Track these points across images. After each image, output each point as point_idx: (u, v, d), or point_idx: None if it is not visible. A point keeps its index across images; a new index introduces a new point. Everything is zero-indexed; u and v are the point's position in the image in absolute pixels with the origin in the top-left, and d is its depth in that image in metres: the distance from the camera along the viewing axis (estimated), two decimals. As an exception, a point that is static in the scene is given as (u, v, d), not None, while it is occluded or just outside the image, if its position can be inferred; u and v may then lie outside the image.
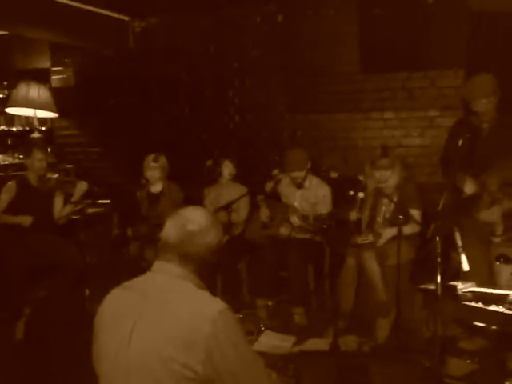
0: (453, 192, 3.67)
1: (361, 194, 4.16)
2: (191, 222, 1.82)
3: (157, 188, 4.95)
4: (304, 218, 4.44)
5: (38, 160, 4.69)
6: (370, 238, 4.17)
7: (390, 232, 4.10)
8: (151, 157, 4.87)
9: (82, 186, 4.83)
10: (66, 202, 4.85)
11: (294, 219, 4.55)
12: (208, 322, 1.63)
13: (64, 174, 5.69)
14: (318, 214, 4.44)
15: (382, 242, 4.12)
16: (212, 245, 1.84)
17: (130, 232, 4.89)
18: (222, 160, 5.17)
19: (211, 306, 1.68)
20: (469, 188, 3.78)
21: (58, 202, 4.85)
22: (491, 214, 3.68)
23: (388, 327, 3.94)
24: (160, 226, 1.89)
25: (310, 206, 4.64)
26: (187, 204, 2.29)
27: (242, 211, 4.99)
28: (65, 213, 4.81)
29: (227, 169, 5.09)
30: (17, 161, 5.98)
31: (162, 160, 4.90)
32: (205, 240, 1.82)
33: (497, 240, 3.69)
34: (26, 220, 4.58)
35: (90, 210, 5.19)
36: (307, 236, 4.59)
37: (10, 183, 4.71)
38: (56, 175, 5.10)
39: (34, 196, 4.70)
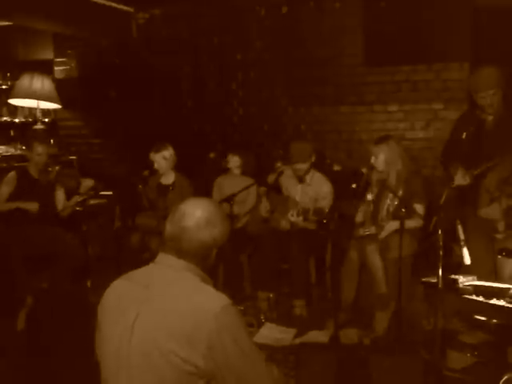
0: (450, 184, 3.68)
1: (369, 197, 4.20)
2: (187, 218, 1.79)
3: (168, 180, 4.90)
4: (304, 211, 4.43)
5: (38, 154, 4.69)
6: (373, 229, 4.16)
7: (392, 225, 4.08)
8: (154, 148, 4.86)
9: (87, 183, 4.83)
10: (67, 195, 4.85)
11: (294, 216, 4.52)
12: (210, 317, 1.62)
13: (65, 166, 5.66)
14: (319, 207, 4.42)
15: (384, 234, 4.11)
16: (207, 242, 1.79)
17: (130, 223, 4.90)
18: (226, 154, 5.16)
19: (214, 301, 1.67)
20: (459, 179, 3.77)
21: (60, 194, 4.86)
22: (491, 212, 3.66)
23: (386, 320, 3.94)
24: (166, 218, 1.88)
25: (310, 200, 4.62)
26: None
27: (248, 201, 4.98)
28: (69, 207, 4.80)
29: (232, 162, 5.08)
30: (19, 152, 5.99)
31: (165, 149, 4.83)
32: (197, 237, 1.78)
33: (499, 236, 3.67)
34: (33, 206, 4.58)
35: (93, 202, 5.18)
36: (309, 227, 4.57)
37: (10, 174, 4.70)
38: (57, 167, 5.09)
39: (34, 188, 4.70)
